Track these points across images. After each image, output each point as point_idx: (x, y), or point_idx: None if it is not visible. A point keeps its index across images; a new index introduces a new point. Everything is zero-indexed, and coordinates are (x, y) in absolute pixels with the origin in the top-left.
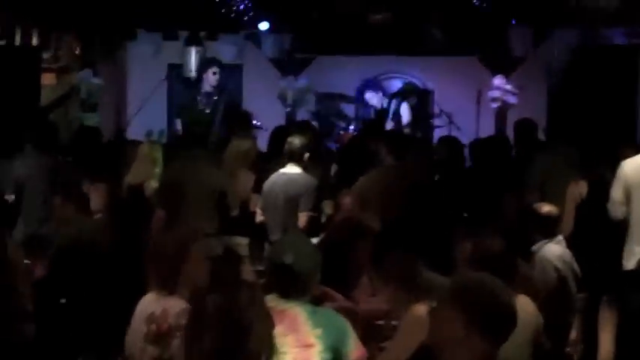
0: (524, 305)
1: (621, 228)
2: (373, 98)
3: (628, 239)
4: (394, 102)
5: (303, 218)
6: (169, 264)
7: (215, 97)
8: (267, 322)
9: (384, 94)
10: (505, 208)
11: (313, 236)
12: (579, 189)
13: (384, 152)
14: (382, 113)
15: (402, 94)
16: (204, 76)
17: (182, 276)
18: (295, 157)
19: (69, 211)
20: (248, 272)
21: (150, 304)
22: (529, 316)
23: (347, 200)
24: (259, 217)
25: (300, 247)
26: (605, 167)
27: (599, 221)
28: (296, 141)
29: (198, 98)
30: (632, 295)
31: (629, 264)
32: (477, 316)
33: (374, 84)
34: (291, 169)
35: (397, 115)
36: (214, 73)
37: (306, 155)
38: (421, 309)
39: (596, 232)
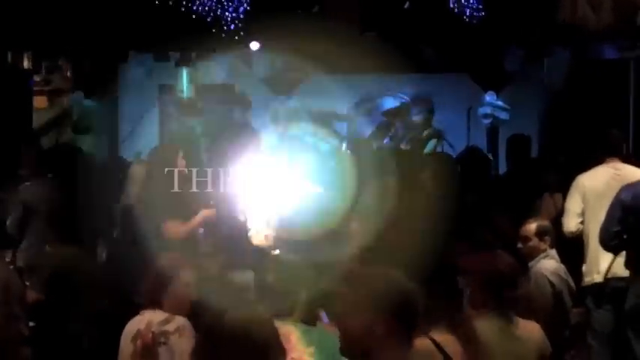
0: (532, 331)
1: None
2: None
3: (588, 253)
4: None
5: None
6: (158, 285)
7: None
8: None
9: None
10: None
11: None
12: (554, 202)
13: None
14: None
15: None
16: None
17: (169, 294)
18: None
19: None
20: None
21: (136, 323)
22: (535, 343)
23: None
24: None
25: None
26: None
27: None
28: None
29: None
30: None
31: (590, 278)
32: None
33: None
34: None
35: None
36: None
37: None
38: (424, 343)
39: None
